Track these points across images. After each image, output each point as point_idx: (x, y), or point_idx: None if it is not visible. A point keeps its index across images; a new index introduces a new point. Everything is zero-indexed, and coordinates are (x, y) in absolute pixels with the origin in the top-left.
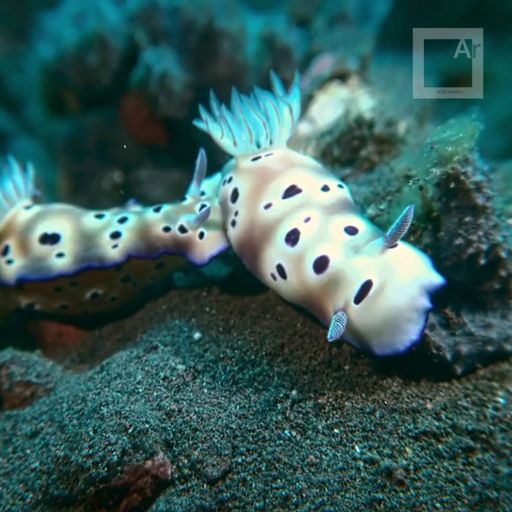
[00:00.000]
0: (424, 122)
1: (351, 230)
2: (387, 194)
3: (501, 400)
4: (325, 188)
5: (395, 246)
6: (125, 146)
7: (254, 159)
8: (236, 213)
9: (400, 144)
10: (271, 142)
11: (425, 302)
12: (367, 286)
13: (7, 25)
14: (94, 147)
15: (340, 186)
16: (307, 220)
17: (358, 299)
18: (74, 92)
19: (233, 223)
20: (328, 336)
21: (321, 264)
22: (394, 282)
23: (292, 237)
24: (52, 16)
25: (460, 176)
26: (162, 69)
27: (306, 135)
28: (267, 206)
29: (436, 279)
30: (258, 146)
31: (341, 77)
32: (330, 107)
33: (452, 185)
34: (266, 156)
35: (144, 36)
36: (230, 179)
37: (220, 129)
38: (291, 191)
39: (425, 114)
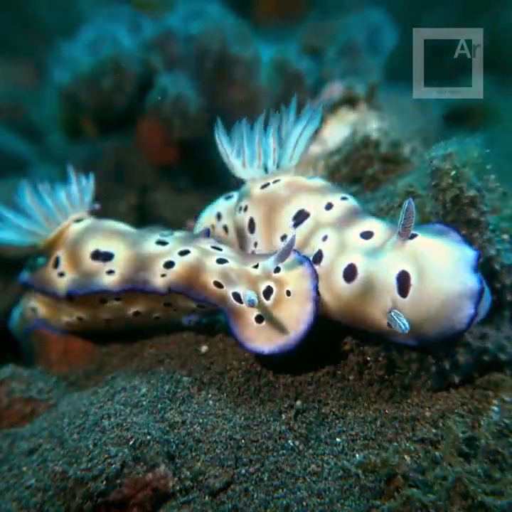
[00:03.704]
0: (429, 146)
1: (367, 235)
2: (390, 209)
3: (496, 409)
4: (329, 206)
5: (413, 237)
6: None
7: (264, 186)
8: (255, 244)
9: (405, 164)
10: (278, 167)
11: (471, 275)
12: (403, 277)
13: (31, 60)
14: (110, 170)
15: (343, 198)
16: (325, 238)
17: (403, 291)
18: (90, 117)
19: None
20: (403, 329)
21: (349, 272)
22: (432, 265)
23: (317, 258)
24: (69, 44)
25: (455, 190)
26: (177, 92)
27: (316, 155)
28: (283, 238)
29: (469, 251)
30: (266, 170)
31: (350, 102)
32: (340, 129)
33: (448, 200)
34: (274, 182)
35: (159, 61)
36: (246, 208)
37: (231, 148)
38: (300, 217)
39: (431, 139)
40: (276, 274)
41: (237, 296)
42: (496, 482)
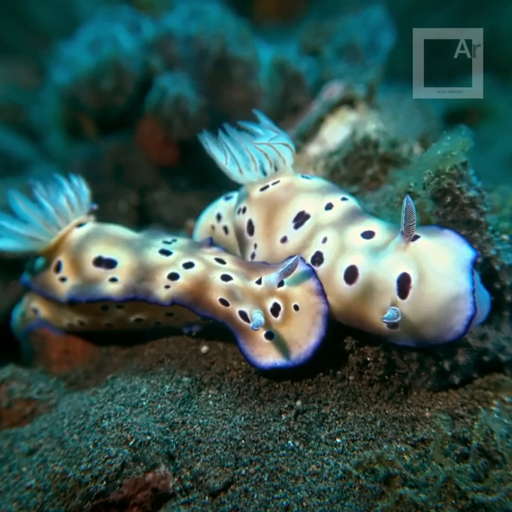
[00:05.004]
0: (427, 146)
1: (368, 235)
2: (390, 209)
3: (496, 409)
4: (329, 206)
5: (416, 238)
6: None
7: (263, 189)
8: (255, 246)
9: (405, 164)
10: (276, 169)
11: (468, 277)
12: (404, 279)
13: (31, 60)
14: (111, 171)
15: (343, 199)
16: (324, 240)
17: (403, 293)
18: (90, 117)
19: (253, 256)
20: (389, 318)
21: (350, 274)
22: (432, 267)
23: (317, 259)
24: (69, 44)
25: (455, 191)
26: (177, 92)
27: (316, 155)
28: (283, 240)
29: (468, 252)
30: (265, 173)
31: (350, 102)
32: (339, 129)
33: (448, 200)
34: (273, 184)
35: (159, 62)
36: (244, 209)
37: (224, 156)
38: (300, 218)
39: (429, 139)
40: (281, 289)
41: (243, 315)
42: (487, 480)
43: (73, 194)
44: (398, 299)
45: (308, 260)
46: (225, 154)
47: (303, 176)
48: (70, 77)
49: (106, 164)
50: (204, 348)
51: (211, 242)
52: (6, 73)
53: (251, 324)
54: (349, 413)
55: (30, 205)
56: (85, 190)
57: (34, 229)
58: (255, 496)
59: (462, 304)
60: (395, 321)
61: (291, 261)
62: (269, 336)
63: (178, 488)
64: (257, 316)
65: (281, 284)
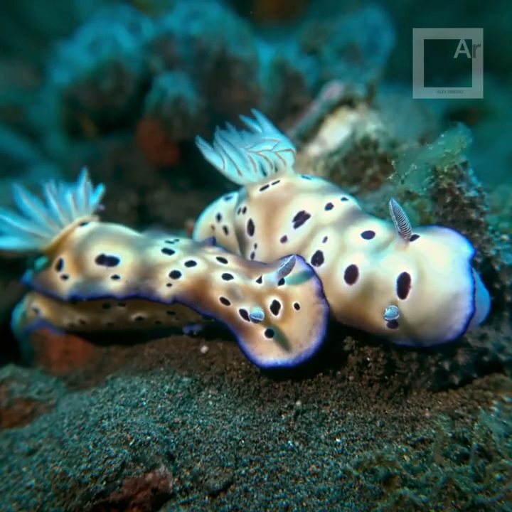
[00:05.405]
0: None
1: (368, 235)
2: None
3: (495, 409)
4: (329, 206)
5: (415, 238)
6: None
7: (263, 188)
8: (255, 246)
9: None
10: (276, 169)
11: (467, 275)
12: (404, 279)
13: (31, 61)
14: (111, 171)
15: (344, 199)
16: (324, 239)
17: (402, 293)
18: (90, 117)
19: (253, 256)
20: (388, 314)
21: (351, 274)
22: (431, 266)
23: (317, 259)
24: (68, 44)
25: (455, 191)
26: (176, 92)
27: (316, 156)
28: (283, 239)
29: (465, 251)
30: (265, 173)
31: (350, 102)
32: (339, 129)
33: (448, 200)
34: (273, 184)
35: (159, 62)
36: (244, 209)
37: (221, 159)
38: (300, 218)
39: (428, 139)
40: (281, 287)
41: (244, 314)
42: (486, 480)
43: (83, 192)
44: (398, 298)
45: (309, 260)
46: (222, 159)
47: (303, 176)
48: (70, 77)
49: (106, 165)
50: (204, 348)
51: (213, 242)
52: (6, 73)
53: (250, 314)
54: (349, 413)
55: (34, 200)
56: (98, 190)
57: (36, 226)
58: (255, 496)
59: (461, 302)
60: (396, 318)
61: (288, 260)
62: (270, 333)
63: (178, 488)
64: (256, 309)
65: (281, 282)
